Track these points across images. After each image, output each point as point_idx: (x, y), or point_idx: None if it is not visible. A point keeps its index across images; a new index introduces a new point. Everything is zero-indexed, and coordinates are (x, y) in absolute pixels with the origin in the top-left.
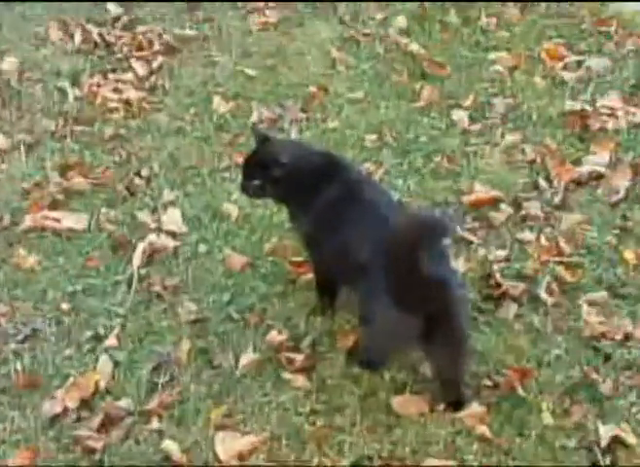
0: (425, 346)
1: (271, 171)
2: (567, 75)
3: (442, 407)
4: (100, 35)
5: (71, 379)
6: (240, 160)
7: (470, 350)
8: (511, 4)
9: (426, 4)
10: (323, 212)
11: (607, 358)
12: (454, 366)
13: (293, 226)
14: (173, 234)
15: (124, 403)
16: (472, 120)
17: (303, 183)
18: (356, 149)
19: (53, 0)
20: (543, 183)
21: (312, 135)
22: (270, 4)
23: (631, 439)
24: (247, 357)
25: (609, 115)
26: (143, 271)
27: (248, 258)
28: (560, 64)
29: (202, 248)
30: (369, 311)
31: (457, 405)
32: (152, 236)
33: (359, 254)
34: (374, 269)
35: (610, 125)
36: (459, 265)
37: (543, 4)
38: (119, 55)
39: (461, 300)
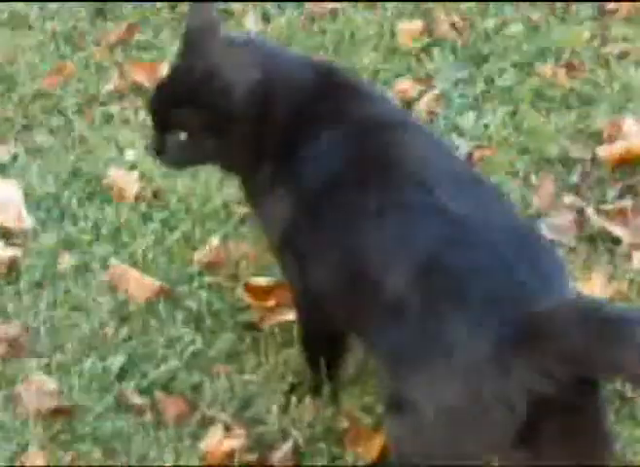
0: (527, 453)
1: (219, 104)
2: None
3: None
4: None
5: None
6: (148, 81)
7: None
8: None
9: None
10: (318, 189)
11: None
12: None
13: (256, 215)
14: (7, 235)
15: None
16: None
17: (280, 129)
18: (379, 52)
19: None
20: None
21: (289, 24)
22: None
23: None
24: None
25: None
26: None
27: (161, 280)
28: None
29: (67, 261)
30: (409, 382)
31: None
32: None
33: (389, 276)
34: (426, 302)
35: None
36: (592, 286)
37: None
38: None
39: None
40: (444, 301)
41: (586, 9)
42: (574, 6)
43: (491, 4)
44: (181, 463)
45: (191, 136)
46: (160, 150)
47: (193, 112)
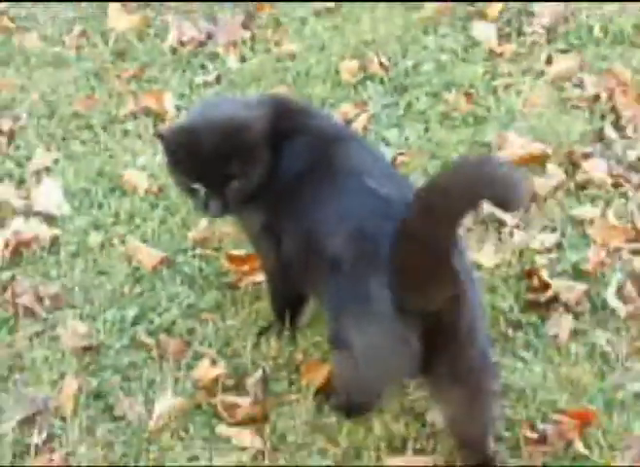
0: (429, 380)
1: (250, 142)
2: None
3: None
4: None
5: None
6: (155, 105)
7: (497, 386)
8: None
9: None
10: (287, 187)
11: None
12: (475, 411)
13: (241, 218)
14: (50, 218)
15: None
16: (502, 37)
17: (265, 151)
18: (327, 84)
19: None
20: (611, 132)
21: (260, 63)
22: None
23: None
24: (165, 403)
25: None
26: (5, 275)
27: (164, 252)
28: None
29: (95, 238)
30: (342, 326)
31: None
32: (17, 222)
33: (331, 241)
34: (353, 262)
35: None
36: (484, 256)
37: None
38: None
39: (478, 306)
40: (365, 262)
41: (481, 52)
42: (471, 49)
43: (410, 48)
44: (179, 387)
45: (244, 178)
46: (220, 206)
47: (241, 160)
